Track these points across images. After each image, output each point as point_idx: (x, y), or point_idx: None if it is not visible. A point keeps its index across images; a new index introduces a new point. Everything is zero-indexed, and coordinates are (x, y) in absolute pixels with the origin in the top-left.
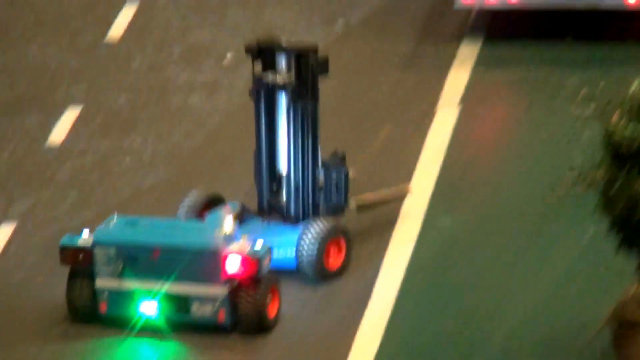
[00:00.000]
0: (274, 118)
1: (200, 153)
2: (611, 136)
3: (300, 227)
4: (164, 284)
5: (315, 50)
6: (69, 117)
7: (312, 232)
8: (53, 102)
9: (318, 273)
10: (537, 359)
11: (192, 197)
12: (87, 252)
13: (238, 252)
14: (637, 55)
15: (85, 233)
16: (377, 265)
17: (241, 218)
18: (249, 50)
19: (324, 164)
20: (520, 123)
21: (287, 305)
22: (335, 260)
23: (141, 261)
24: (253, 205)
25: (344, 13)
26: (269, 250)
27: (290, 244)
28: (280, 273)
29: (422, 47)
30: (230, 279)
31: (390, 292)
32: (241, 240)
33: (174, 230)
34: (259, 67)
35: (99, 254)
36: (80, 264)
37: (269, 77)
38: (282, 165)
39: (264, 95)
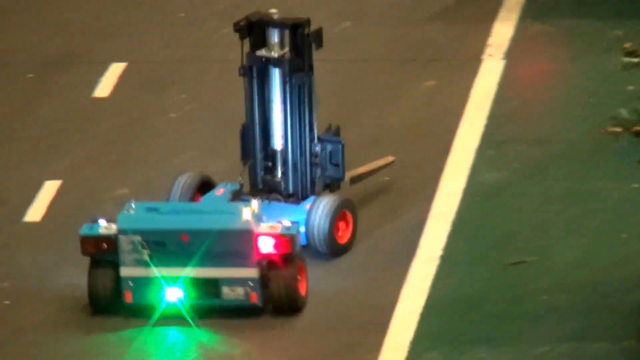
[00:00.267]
0: (267, 94)
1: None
2: None
3: (305, 203)
4: (193, 268)
5: (309, 23)
6: (113, 73)
7: (322, 207)
8: (96, 59)
9: (330, 248)
10: (581, 310)
11: (186, 180)
12: (111, 241)
13: (271, 231)
14: None
15: (103, 222)
16: (422, 219)
17: (238, 198)
18: (238, 28)
19: (320, 139)
20: (565, 75)
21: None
22: (344, 234)
23: (169, 247)
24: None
25: None
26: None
27: (299, 221)
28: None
29: None
30: (261, 259)
31: (436, 245)
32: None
33: (200, 213)
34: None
35: (124, 242)
36: (103, 254)
37: (263, 52)
38: (277, 142)
39: (257, 72)
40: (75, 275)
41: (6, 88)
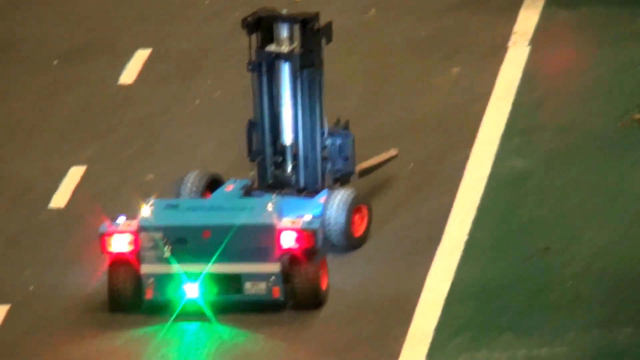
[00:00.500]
0: (276, 90)
1: None
2: None
3: (319, 197)
4: (214, 264)
5: (318, 18)
6: (137, 61)
7: (338, 200)
8: (121, 48)
9: (346, 241)
10: (606, 297)
11: (194, 178)
12: (131, 239)
13: (293, 226)
14: None
15: (122, 219)
16: (447, 207)
17: (249, 194)
18: (246, 23)
19: (330, 133)
20: (590, 63)
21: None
22: (359, 227)
23: (190, 243)
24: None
25: None
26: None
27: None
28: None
29: None
30: (283, 254)
31: (461, 232)
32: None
33: (221, 209)
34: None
35: (145, 239)
36: (123, 251)
37: (273, 47)
38: (287, 137)
39: (266, 67)
40: (98, 263)
41: (32, 76)
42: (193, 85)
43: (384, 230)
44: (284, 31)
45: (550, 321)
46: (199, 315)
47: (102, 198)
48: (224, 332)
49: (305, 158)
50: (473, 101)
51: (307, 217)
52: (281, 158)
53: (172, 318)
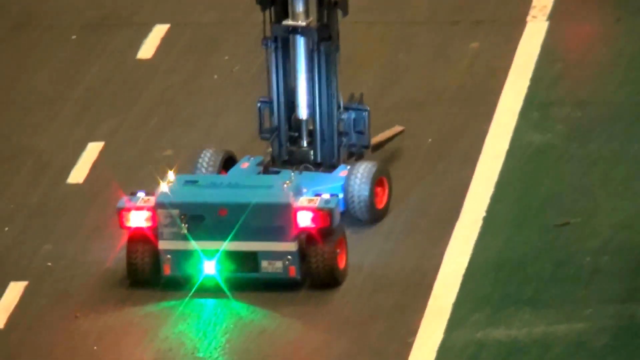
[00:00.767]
0: (290, 65)
1: None
2: None
3: (339, 171)
4: (231, 242)
5: None
6: (157, 34)
7: (360, 174)
8: (140, 20)
9: (370, 214)
10: (626, 271)
11: (210, 156)
12: (149, 215)
13: (310, 205)
14: None
15: (141, 194)
16: (466, 181)
17: (267, 170)
18: None
19: (345, 107)
20: (609, 37)
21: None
22: (381, 200)
23: (207, 220)
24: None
25: None
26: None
27: (335, 189)
28: None
29: None
30: (300, 233)
31: (480, 207)
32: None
33: (239, 186)
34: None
35: (162, 215)
36: (141, 227)
37: (289, 22)
38: (302, 112)
39: (281, 43)
40: (116, 238)
41: (51, 49)
42: (212, 58)
43: (403, 205)
44: (299, 5)
45: (569, 296)
46: (216, 292)
47: (120, 173)
48: (241, 309)
49: (322, 132)
50: (492, 75)
51: (325, 196)
52: (297, 133)
53: (190, 294)
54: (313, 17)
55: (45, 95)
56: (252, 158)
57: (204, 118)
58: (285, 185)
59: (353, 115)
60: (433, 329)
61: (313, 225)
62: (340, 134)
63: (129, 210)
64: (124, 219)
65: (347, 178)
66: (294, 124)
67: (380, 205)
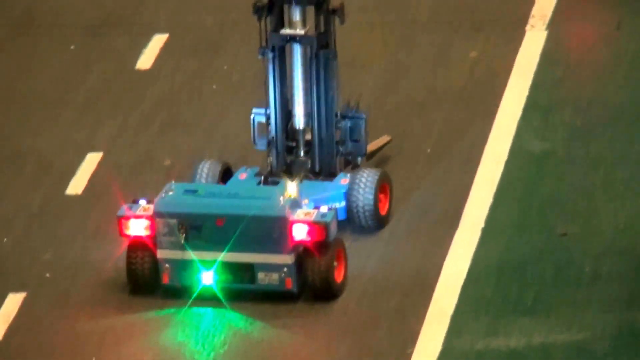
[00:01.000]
0: (288, 74)
1: None
2: None
3: (339, 179)
4: (228, 253)
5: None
6: (158, 39)
7: (364, 181)
8: (141, 25)
9: (375, 221)
10: (628, 276)
11: (209, 168)
12: (148, 223)
13: (305, 219)
14: None
15: (143, 202)
16: (467, 185)
17: (267, 180)
18: (259, 7)
19: (342, 114)
20: (608, 40)
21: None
22: (384, 206)
23: (204, 231)
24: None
25: None
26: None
27: (337, 197)
28: None
29: None
30: (296, 246)
31: (480, 211)
32: (304, 205)
33: (237, 197)
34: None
35: (161, 224)
36: (140, 235)
37: (287, 30)
38: (300, 121)
39: (278, 52)
40: (116, 245)
41: (52, 53)
42: (210, 68)
43: (404, 209)
44: (297, 14)
45: (569, 302)
46: (214, 301)
47: (118, 184)
48: (240, 320)
49: (320, 140)
50: (493, 79)
51: (323, 208)
52: (294, 143)
53: (188, 304)
54: (310, 25)
55: (47, 96)
56: (248, 169)
57: (203, 128)
58: (282, 198)
59: (349, 123)
60: (433, 335)
61: (309, 239)
62: (337, 142)
63: (128, 218)
64: (123, 227)
65: (350, 186)
66: (291, 133)
67: (383, 211)
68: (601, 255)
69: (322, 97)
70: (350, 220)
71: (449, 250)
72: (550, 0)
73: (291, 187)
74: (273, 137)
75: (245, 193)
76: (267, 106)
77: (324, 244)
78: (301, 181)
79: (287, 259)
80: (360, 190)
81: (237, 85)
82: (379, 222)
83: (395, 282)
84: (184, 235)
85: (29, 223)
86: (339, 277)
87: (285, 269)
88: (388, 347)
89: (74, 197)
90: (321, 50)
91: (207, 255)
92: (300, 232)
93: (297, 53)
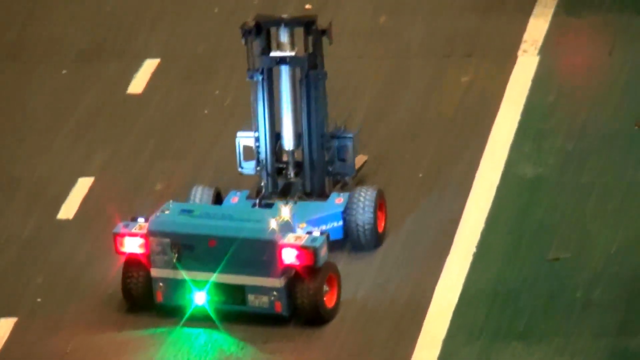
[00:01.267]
0: (276, 96)
1: None
2: None
3: (333, 198)
4: (220, 274)
5: (316, 20)
6: (149, 64)
7: (362, 200)
8: (132, 50)
9: (374, 239)
10: (619, 304)
11: (201, 194)
12: (143, 241)
13: (295, 243)
14: None
15: (141, 220)
16: (458, 213)
17: (261, 202)
18: (246, 30)
19: (332, 135)
20: (600, 69)
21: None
22: (381, 224)
23: (197, 251)
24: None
25: None
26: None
27: (335, 217)
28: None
29: None
30: (287, 270)
31: (471, 239)
32: (298, 229)
33: (230, 219)
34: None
35: (154, 243)
36: (135, 253)
37: (277, 52)
38: (288, 143)
39: (266, 74)
40: (109, 269)
41: (44, 80)
42: (202, 93)
43: (396, 235)
44: (284, 35)
45: (561, 328)
46: (207, 322)
47: (109, 208)
48: (230, 344)
49: (311, 162)
50: (483, 107)
51: (316, 233)
52: (283, 165)
53: (181, 323)
54: (298, 47)
55: (39, 123)
56: (238, 192)
57: (194, 152)
58: (273, 221)
59: (337, 143)
60: None
61: (297, 263)
62: (328, 162)
63: (123, 236)
64: (118, 244)
65: (349, 205)
66: (279, 155)
67: (381, 229)
68: (593, 282)
69: (312, 117)
70: (348, 239)
71: (441, 275)
72: (542, 25)
73: (284, 210)
74: (263, 160)
75: (238, 215)
76: (254, 129)
77: (314, 269)
78: (296, 203)
79: (277, 282)
80: (359, 209)
81: (229, 110)
82: (378, 239)
83: (388, 307)
84: (176, 255)
85: (20, 248)
86: (330, 302)
87: (275, 292)
88: None
89: (65, 222)
90: (311, 70)
91: (200, 276)
92: (289, 256)
93: (285, 74)
